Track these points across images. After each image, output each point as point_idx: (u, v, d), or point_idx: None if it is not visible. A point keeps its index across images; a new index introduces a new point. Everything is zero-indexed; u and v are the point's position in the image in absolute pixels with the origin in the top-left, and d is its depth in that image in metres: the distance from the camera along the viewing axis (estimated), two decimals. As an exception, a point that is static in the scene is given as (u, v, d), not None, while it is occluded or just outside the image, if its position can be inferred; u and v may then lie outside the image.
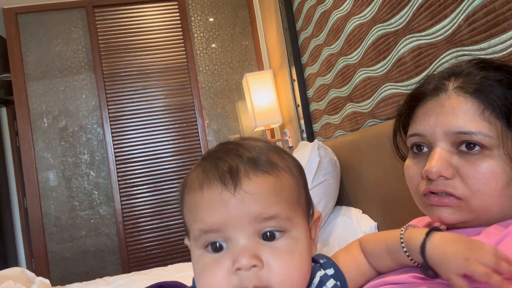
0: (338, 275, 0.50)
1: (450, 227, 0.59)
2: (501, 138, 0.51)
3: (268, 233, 0.41)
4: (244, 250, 0.40)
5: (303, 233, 0.44)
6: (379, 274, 0.56)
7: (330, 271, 0.50)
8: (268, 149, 0.46)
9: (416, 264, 0.50)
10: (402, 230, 0.50)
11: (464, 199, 0.53)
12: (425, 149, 0.58)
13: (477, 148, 0.52)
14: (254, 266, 0.40)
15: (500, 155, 0.51)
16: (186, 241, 0.49)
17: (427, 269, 0.46)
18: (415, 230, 0.49)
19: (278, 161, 0.45)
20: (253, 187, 0.41)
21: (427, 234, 0.46)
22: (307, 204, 0.48)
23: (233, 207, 0.41)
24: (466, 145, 0.53)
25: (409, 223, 0.73)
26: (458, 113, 0.53)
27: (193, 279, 0.47)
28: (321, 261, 0.52)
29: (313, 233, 0.49)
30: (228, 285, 0.40)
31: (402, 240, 0.49)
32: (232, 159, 0.43)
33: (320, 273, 0.49)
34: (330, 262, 0.52)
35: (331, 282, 0.48)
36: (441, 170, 0.53)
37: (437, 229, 0.48)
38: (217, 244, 0.42)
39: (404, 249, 0.49)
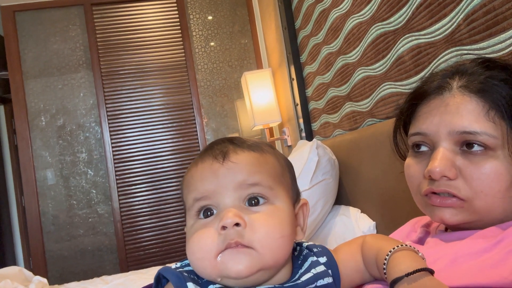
0: (331, 264, 0.52)
1: (451, 228, 0.59)
2: (506, 138, 0.51)
3: (252, 201, 0.46)
4: (228, 210, 0.45)
5: (286, 206, 0.48)
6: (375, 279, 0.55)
7: (323, 259, 0.52)
8: (261, 142, 0.52)
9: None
10: (394, 248, 0.48)
11: (467, 200, 0.52)
12: (427, 149, 0.57)
13: (481, 148, 0.51)
14: (237, 224, 0.43)
15: (504, 156, 0.51)
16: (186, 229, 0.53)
17: None
18: (405, 258, 0.46)
19: (266, 148, 0.51)
20: (239, 158, 0.48)
21: (408, 275, 0.43)
22: (292, 187, 0.52)
23: (221, 175, 0.46)
24: (469, 145, 0.52)
25: (408, 222, 0.73)
26: (462, 113, 0.52)
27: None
28: (315, 250, 0.53)
29: (301, 221, 0.52)
30: (213, 243, 0.44)
31: (386, 258, 0.47)
32: (226, 144, 0.50)
33: (312, 258, 0.52)
34: (324, 251, 0.53)
35: (321, 268, 0.50)
36: (444, 171, 0.52)
37: (430, 271, 0.44)
38: (208, 212, 0.47)
39: (385, 270, 0.47)
